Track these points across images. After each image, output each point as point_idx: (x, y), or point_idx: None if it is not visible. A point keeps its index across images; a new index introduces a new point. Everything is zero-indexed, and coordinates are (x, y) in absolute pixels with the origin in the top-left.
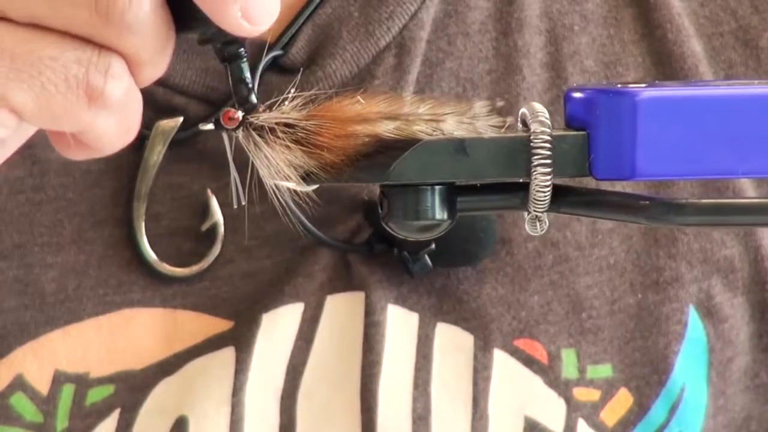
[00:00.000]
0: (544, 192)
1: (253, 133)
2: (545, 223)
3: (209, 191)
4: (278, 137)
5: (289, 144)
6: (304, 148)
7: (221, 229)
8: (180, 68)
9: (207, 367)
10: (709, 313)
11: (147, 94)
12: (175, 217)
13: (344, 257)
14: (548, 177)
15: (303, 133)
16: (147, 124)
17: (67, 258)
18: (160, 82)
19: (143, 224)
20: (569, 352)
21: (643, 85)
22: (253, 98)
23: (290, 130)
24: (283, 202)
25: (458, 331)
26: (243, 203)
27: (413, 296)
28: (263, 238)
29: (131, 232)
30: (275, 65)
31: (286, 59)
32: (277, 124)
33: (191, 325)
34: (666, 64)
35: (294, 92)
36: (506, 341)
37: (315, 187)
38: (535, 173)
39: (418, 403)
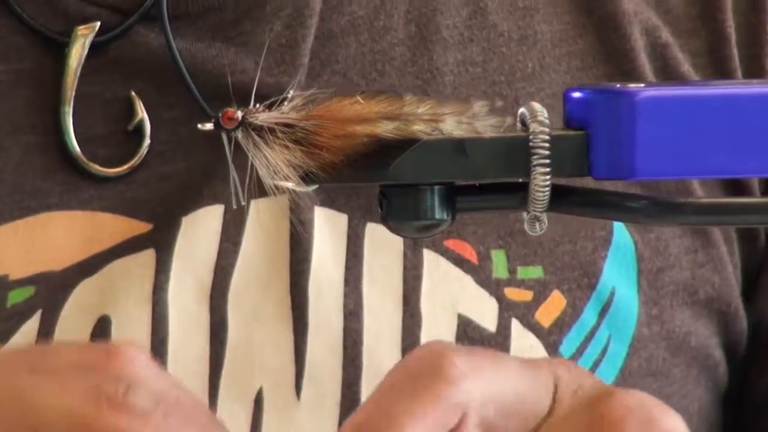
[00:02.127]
0: (543, 192)
1: (253, 133)
2: (545, 223)
3: (133, 92)
4: (277, 137)
5: (289, 144)
6: (303, 148)
7: (148, 125)
8: None
9: (127, 268)
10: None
11: (58, 4)
12: (97, 123)
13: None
14: (547, 177)
15: (302, 133)
16: (63, 32)
17: None
18: None
19: (71, 126)
20: (499, 253)
21: (642, 85)
22: None
23: (289, 130)
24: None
25: (388, 232)
26: (243, 203)
27: (341, 198)
28: (177, 141)
29: (57, 137)
30: None
31: None
32: (276, 124)
33: (110, 227)
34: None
35: (294, 92)
36: (435, 241)
37: (315, 187)
38: (534, 173)
39: (348, 299)
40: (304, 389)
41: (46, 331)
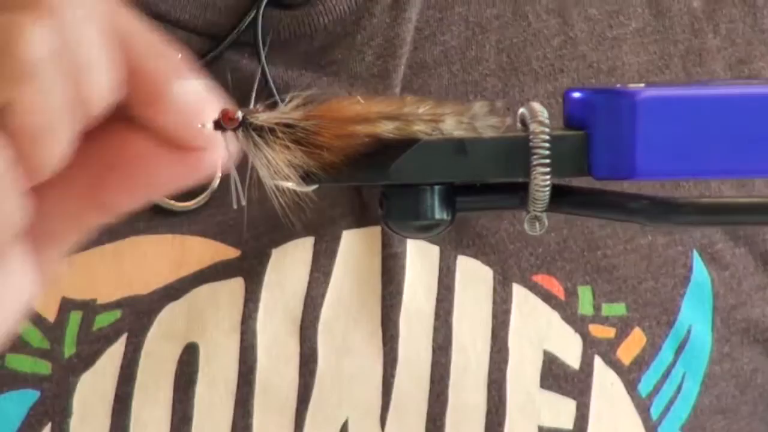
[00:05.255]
0: (544, 192)
1: (253, 133)
2: (545, 223)
3: None
4: (278, 137)
5: (289, 144)
6: (303, 148)
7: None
8: (180, 3)
9: (215, 295)
10: (712, 258)
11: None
12: None
13: (357, 191)
14: (547, 177)
15: (303, 133)
16: None
17: None
18: (160, 17)
19: None
20: (585, 290)
21: (642, 84)
22: None
23: (290, 130)
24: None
25: (478, 265)
26: (243, 203)
27: None
28: None
29: None
30: (275, 1)
31: None
32: (276, 124)
33: (198, 251)
34: (665, 16)
35: (293, 92)
36: (524, 276)
37: (315, 187)
38: (534, 173)
39: (439, 333)
40: (389, 422)
41: (131, 356)
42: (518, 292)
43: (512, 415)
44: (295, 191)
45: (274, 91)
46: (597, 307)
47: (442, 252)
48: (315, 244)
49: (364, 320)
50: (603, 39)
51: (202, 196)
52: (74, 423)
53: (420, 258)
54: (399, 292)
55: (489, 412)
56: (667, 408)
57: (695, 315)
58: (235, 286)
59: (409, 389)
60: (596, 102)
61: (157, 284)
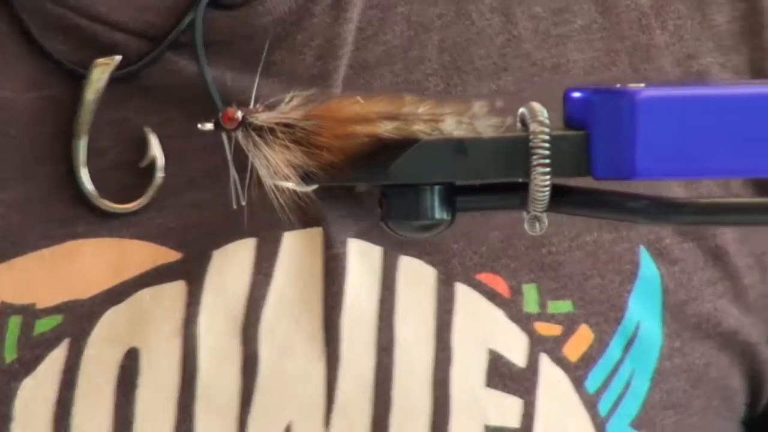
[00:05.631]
0: (543, 192)
1: (253, 133)
2: (545, 223)
3: (146, 128)
4: (278, 137)
5: (289, 144)
6: (303, 148)
7: (160, 163)
8: (119, 4)
9: (157, 299)
10: (660, 254)
11: (86, 31)
12: (119, 152)
13: (296, 192)
14: (547, 177)
15: (302, 133)
16: (86, 63)
17: (11, 194)
18: (99, 19)
19: (82, 161)
20: (530, 287)
21: (642, 85)
22: None
23: (290, 130)
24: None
25: (421, 265)
26: (243, 203)
27: (375, 230)
28: (207, 169)
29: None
30: (214, 2)
31: None
32: (276, 124)
33: (138, 254)
34: (611, 13)
35: (294, 93)
36: (468, 275)
37: (314, 187)
38: (534, 173)
39: (381, 334)
40: (333, 424)
41: (72, 361)
42: (462, 291)
43: (458, 415)
44: (294, 191)
45: (214, 93)
46: (542, 305)
47: (384, 252)
48: (257, 246)
49: (306, 322)
50: (548, 37)
51: (142, 198)
52: (15, 429)
53: (362, 259)
54: (341, 294)
55: (434, 413)
56: (616, 404)
57: (644, 311)
58: (177, 289)
59: (352, 391)
60: (596, 102)
61: (98, 288)
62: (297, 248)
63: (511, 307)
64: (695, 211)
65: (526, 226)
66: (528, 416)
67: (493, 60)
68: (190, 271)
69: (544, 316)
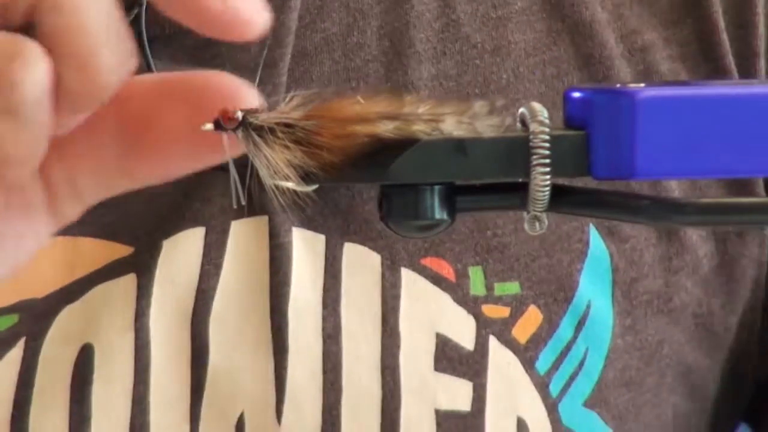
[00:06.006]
0: (544, 192)
1: (253, 133)
2: (545, 223)
3: None
4: (278, 137)
5: (289, 144)
6: (303, 148)
7: None
8: None
9: (109, 294)
10: (610, 232)
11: None
12: None
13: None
14: (547, 177)
15: (302, 133)
16: None
17: None
18: None
19: None
20: (476, 270)
21: (642, 84)
22: None
23: (290, 130)
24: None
25: (365, 251)
26: (243, 203)
27: (319, 218)
28: None
29: None
30: None
31: None
32: (276, 124)
33: (91, 251)
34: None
35: (293, 93)
36: (413, 260)
37: (315, 187)
38: (534, 173)
39: (327, 322)
40: (284, 414)
41: (29, 360)
42: (407, 276)
43: (407, 400)
44: (294, 191)
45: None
46: (489, 287)
47: (328, 240)
48: (206, 236)
49: (253, 312)
50: (487, 19)
51: None
52: None
53: (306, 247)
54: (287, 283)
55: (384, 398)
56: (568, 384)
57: (594, 289)
58: (128, 283)
59: (302, 380)
60: (596, 102)
61: (53, 287)
62: (245, 237)
63: (458, 290)
64: (697, 211)
65: (526, 225)
66: (479, 399)
67: (432, 44)
68: (141, 264)
69: (491, 299)
